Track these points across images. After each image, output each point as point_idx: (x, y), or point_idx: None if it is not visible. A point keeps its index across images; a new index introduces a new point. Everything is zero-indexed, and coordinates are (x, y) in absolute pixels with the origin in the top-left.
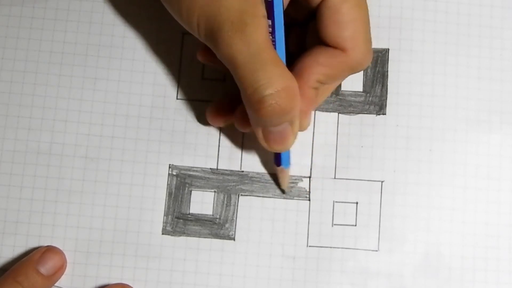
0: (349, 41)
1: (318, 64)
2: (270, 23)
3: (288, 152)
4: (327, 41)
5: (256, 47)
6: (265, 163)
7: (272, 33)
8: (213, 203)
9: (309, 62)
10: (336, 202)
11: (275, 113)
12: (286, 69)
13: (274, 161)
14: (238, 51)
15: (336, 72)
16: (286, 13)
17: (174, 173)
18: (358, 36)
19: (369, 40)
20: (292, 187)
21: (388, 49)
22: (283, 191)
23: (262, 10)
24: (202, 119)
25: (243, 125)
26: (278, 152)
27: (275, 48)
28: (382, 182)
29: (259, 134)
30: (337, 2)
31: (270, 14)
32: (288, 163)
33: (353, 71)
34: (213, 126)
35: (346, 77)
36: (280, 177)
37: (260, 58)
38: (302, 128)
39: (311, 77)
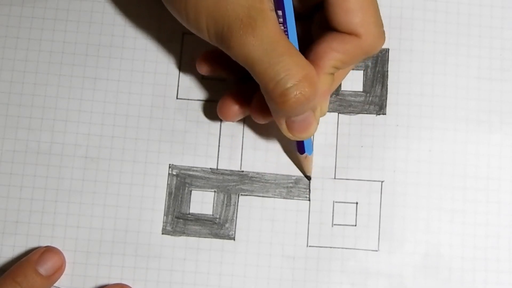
0: (361, 26)
1: (332, 50)
2: (281, 14)
3: (310, 139)
4: (339, 28)
5: (269, 41)
6: (265, 162)
7: (284, 23)
8: (213, 203)
9: (323, 49)
10: (336, 202)
11: (300, 103)
12: (303, 57)
13: (297, 149)
14: (253, 48)
15: (351, 57)
16: None
17: (174, 173)
18: (369, 20)
19: (380, 23)
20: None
21: (388, 49)
22: (308, 178)
23: (269, 4)
24: (202, 119)
25: (262, 117)
26: (301, 140)
27: (288, 38)
28: (382, 182)
29: (283, 125)
30: None
31: (280, 5)
32: (311, 150)
33: (368, 54)
34: (226, 121)
35: (361, 60)
36: (304, 164)
37: (276, 51)
38: (322, 114)
39: (327, 63)
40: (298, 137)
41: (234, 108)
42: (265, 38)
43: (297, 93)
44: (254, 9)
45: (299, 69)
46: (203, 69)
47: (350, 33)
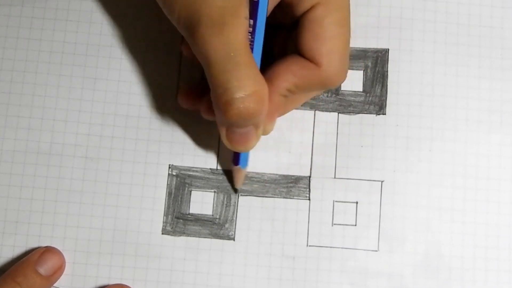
0: (325, 56)
1: (290, 73)
2: (252, 23)
3: (247, 154)
4: (303, 52)
5: (231, 48)
6: (265, 162)
7: (252, 33)
8: (213, 203)
9: (281, 69)
10: (336, 201)
11: (242, 117)
12: (259, 73)
13: (232, 160)
14: (213, 49)
15: (306, 84)
16: (274, 15)
17: (174, 173)
18: (335, 53)
19: (345, 59)
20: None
21: (388, 49)
22: (235, 190)
23: (245, 12)
24: (202, 119)
25: (208, 114)
26: (238, 152)
27: (252, 49)
28: (382, 182)
29: (223, 133)
30: (319, 16)
31: (253, 14)
32: (246, 164)
33: (324, 87)
34: (183, 107)
35: (318, 92)
36: (235, 176)
37: (235, 59)
38: (265, 133)
39: (281, 84)
40: (235, 149)
41: (189, 98)
42: (229, 43)
43: (241, 106)
44: (228, 12)
45: (251, 83)
46: (188, 52)
47: (312, 61)
